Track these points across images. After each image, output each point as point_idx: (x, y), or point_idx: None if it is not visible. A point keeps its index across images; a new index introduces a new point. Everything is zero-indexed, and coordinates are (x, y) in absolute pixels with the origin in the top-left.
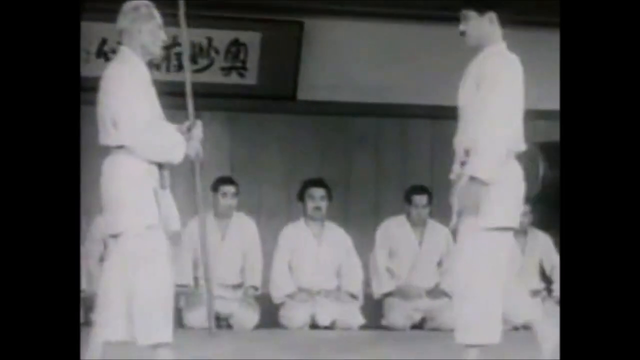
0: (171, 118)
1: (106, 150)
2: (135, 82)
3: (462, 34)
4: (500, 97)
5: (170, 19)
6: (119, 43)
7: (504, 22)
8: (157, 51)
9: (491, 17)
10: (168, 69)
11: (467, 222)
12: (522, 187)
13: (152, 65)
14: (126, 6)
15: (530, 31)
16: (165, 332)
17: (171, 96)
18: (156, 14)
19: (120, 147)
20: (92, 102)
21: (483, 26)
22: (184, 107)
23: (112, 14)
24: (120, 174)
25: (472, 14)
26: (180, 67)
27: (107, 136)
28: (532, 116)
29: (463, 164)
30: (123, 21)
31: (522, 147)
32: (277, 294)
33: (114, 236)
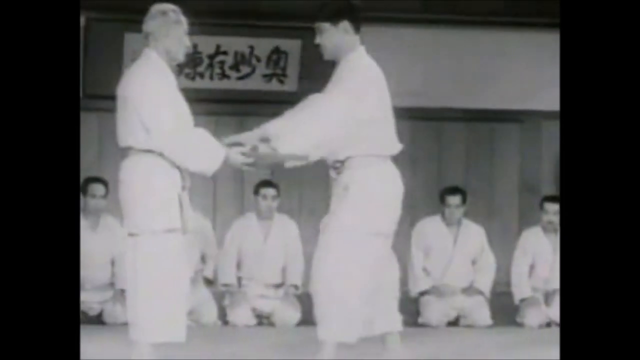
0: (215, 124)
1: (124, 152)
2: (165, 86)
3: (317, 46)
4: (330, 100)
5: (214, 29)
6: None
7: (358, 28)
8: (181, 57)
9: (345, 26)
10: (212, 77)
11: (328, 222)
12: (393, 191)
13: (197, 73)
14: (154, 9)
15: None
16: (178, 331)
17: (216, 103)
18: (183, 19)
19: (149, 150)
20: None
21: (338, 37)
22: (228, 114)
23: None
24: (144, 176)
25: (325, 26)
26: (223, 75)
27: (135, 139)
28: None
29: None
30: (151, 24)
31: (395, 150)
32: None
33: (133, 235)
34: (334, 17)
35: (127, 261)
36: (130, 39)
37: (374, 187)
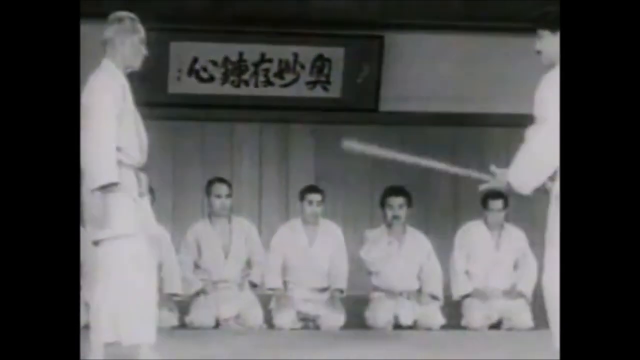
0: (259, 132)
1: None
2: (110, 101)
3: (538, 52)
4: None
5: (259, 37)
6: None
7: None
8: (137, 64)
9: None
10: (256, 85)
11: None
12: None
13: (241, 80)
14: (111, 17)
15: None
16: (147, 332)
17: (260, 110)
18: (140, 28)
19: None
20: (179, 118)
21: (557, 44)
22: (272, 121)
23: (202, 34)
24: (100, 182)
25: (546, 33)
26: (267, 83)
27: None
28: None
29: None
30: (107, 32)
31: None
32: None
33: (96, 243)
34: (554, 25)
35: (90, 267)
36: (175, 47)
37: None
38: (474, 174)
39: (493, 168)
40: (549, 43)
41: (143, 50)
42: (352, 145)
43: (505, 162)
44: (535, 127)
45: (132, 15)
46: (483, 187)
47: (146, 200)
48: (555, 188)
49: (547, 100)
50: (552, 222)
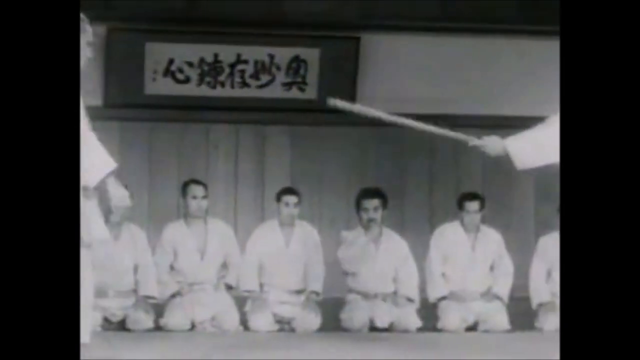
0: (236, 132)
1: None
2: None
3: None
4: None
5: (234, 38)
6: None
7: None
8: (82, 67)
9: None
10: (232, 86)
11: None
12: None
13: (217, 82)
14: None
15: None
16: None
17: (237, 111)
18: (88, 29)
19: None
20: (156, 119)
21: None
22: (249, 122)
23: (178, 35)
24: None
25: None
26: (243, 84)
27: None
28: None
29: None
30: None
31: None
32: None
33: None
34: None
35: None
36: (151, 48)
37: None
38: (468, 137)
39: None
40: None
41: (88, 53)
42: (337, 102)
43: (482, 163)
44: (556, 115)
45: (82, 17)
46: (473, 143)
47: (92, 204)
48: None
49: None
50: None
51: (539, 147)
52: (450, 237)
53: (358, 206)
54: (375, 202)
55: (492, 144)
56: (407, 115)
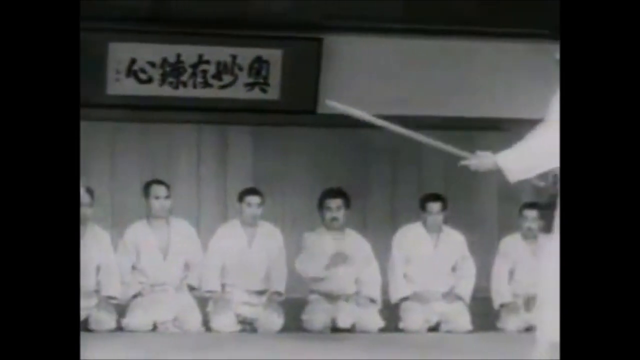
0: (198, 132)
1: None
2: None
3: (557, 62)
4: None
5: (197, 38)
6: None
7: None
8: None
9: None
10: (194, 86)
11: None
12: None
13: (180, 82)
14: None
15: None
16: None
17: (199, 112)
18: None
19: None
20: (118, 119)
21: None
22: (210, 122)
23: (141, 35)
24: None
25: None
26: (206, 84)
27: None
28: None
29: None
30: None
31: None
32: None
33: None
34: None
35: None
36: (114, 48)
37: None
38: (460, 152)
39: (479, 152)
40: None
41: None
42: (335, 105)
43: (444, 165)
44: (544, 124)
45: None
46: (464, 163)
47: None
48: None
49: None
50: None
51: (529, 159)
52: (412, 238)
53: (321, 205)
54: (338, 201)
55: (483, 160)
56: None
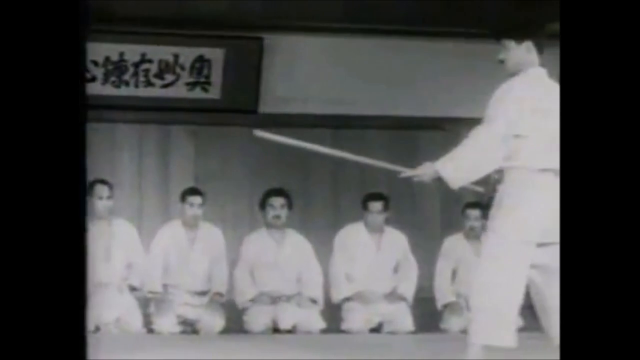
0: (140, 131)
1: None
2: None
3: (501, 62)
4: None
5: (139, 37)
6: None
7: (541, 49)
8: None
9: (528, 46)
10: (137, 85)
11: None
12: (545, 200)
13: (122, 81)
14: None
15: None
16: None
17: (141, 111)
18: None
19: None
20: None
21: (520, 55)
22: (153, 121)
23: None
24: None
25: (511, 44)
26: (148, 83)
27: None
28: None
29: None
30: None
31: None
32: (241, 300)
33: None
34: (519, 36)
35: None
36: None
37: (528, 197)
38: (397, 167)
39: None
40: (513, 53)
41: None
42: (263, 134)
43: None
44: (481, 127)
45: None
46: (405, 175)
47: None
48: (499, 196)
49: (498, 105)
50: (492, 229)
51: (469, 163)
52: (354, 237)
53: (263, 204)
54: (280, 200)
55: (424, 171)
56: (309, 117)
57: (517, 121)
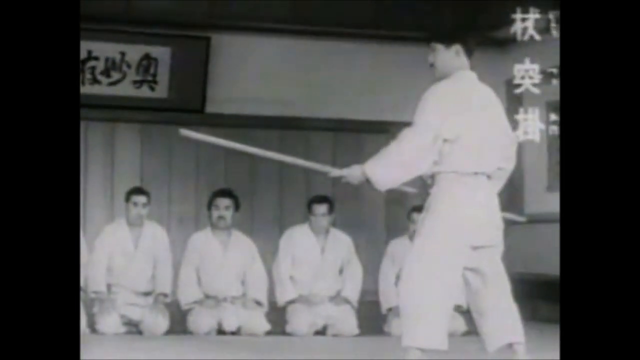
0: (85, 129)
1: None
2: None
3: (431, 65)
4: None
5: (86, 34)
6: None
7: (470, 53)
8: None
9: (457, 49)
10: (83, 83)
11: (417, 233)
12: (480, 203)
13: None
14: None
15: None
16: None
17: (87, 108)
18: None
19: None
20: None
21: (449, 58)
22: (98, 119)
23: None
24: None
25: (439, 47)
26: (94, 81)
27: None
28: None
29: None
30: None
31: (486, 166)
32: (185, 301)
33: None
34: (447, 40)
35: None
36: None
37: (460, 201)
38: (325, 168)
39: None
40: (442, 57)
41: None
42: (189, 133)
43: (332, 166)
44: (408, 129)
45: None
46: (334, 175)
47: None
48: (429, 200)
49: (424, 107)
50: (420, 234)
51: (396, 166)
52: (299, 240)
53: (210, 205)
54: (226, 201)
55: (352, 172)
56: (256, 118)
57: (444, 124)
